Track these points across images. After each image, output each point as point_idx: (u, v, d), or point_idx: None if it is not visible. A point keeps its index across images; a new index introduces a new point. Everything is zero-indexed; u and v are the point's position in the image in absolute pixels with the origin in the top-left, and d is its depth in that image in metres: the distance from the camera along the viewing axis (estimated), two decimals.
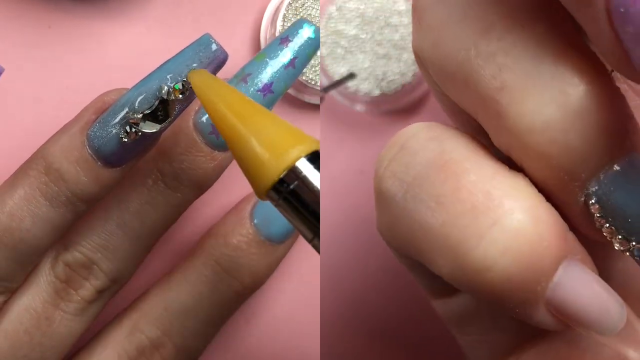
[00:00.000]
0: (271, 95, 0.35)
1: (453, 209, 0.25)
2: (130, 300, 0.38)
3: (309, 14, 0.40)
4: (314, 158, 0.27)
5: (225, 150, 0.35)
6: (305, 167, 0.27)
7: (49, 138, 0.33)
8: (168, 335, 0.36)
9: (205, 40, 0.32)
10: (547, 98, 0.25)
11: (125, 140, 0.32)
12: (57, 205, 0.33)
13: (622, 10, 0.23)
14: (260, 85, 0.35)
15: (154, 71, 0.32)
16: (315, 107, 0.41)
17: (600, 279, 0.27)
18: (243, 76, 0.35)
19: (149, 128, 0.32)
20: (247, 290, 0.37)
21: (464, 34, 0.26)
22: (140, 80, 0.32)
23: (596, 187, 0.26)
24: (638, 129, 0.26)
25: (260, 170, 0.27)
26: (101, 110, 0.33)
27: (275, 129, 0.27)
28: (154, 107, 0.31)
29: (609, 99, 0.25)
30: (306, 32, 0.35)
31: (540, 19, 0.26)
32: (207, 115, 0.35)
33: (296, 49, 0.35)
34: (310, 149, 0.27)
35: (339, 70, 0.40)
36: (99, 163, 0.32)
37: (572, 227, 0.27)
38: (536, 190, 0.26)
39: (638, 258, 0.26)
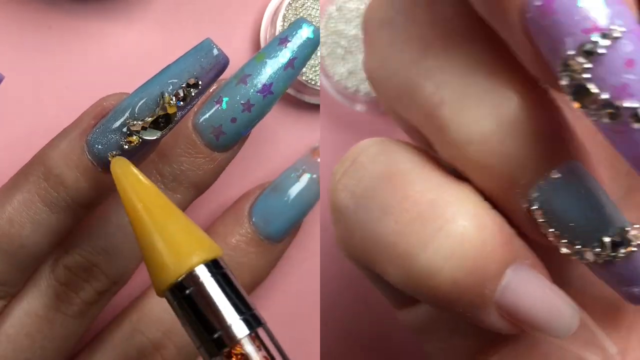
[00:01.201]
0: (271, 96, 0.35)
1: (400, 218, 0.27)
2: (130, 300, 0.38)
3: (309, 14, 0.40)
4: (215, 266, 0.28)
5: (224, 151, 0.35)
6: (203, 274, 0.27)
7: (48, 143, 0.33)
8: (169, 336, 0.36)
9: (206, 45, 0.31)
10: (483, 111, 0.26)
11: (126, 147, 0.31)
12: (56, 211, 0.33)
13: (534, 23, 0.24)
14: (259, 86, 0.35)
15: (154, 76, 0.32)
16: (315, 107, 0.41)
17: (550, 282, 0.28)
18: (242, 77, 0.35)
19: (150, 135, 0.31)
20: (246, 289, 0.37)
21: (406, 53, 0.27)
22: (141, 86, 0.32)
23: (537, 194, 0.27)
24: (575, 137, 0.27)
25: (161, 270, 0.27)
26: (100, 115, 0.32)
27: (183, 232, 0.28)
28: (155, 115, 0.31)
29: (543, 109, 0.27)
30: (305, 32, 0.35)
31: (474, 36, 0.27)
32: (206, 116, 0.35)
33: (295, 49, 0.35)
34: (211, 256, 0.28)
35: (339, 70, 0.40)
36: (99, 169, 0.32)
37: (525, 234, 0.28)
38: (481, 199, 0.27)
39: (584, 261, 0.27)
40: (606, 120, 0.24)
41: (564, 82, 0.24)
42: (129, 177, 0.29)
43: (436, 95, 0.27)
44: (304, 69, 0.39)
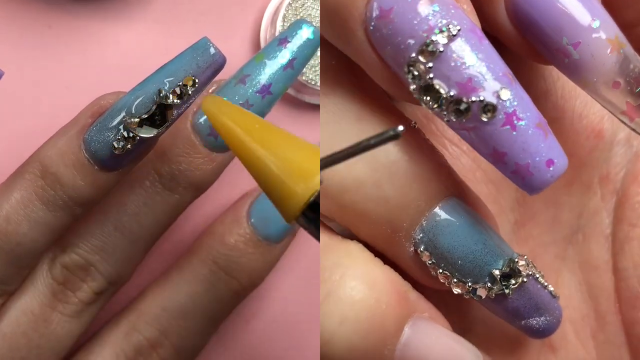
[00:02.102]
0: (270, 97, 0.35)
1: None
2: (128, 300, 0.38)
3: (309, 14, 0.40)
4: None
5: (223, 151, 0.35)
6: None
7: (46, 141, 0.33)
8: (166, 335, 0.36)
9: (203, 44, 0.31)
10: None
11: (122, 145, 0.31)
12: (53, 209, 0.32)
13: (377, 34, 0.25)
14: (258, 86, 0.35)
15: (151, 75, 0.32)
16: (315, 107, 0.41)
17: (451, 332, 0.28)
18: (241, 77, 0.35)
19: (147, 133, 0.31)
20: (245, 290, 0.37)
21: None
22: (138, 84, 0.32)
23: (421, 235, 0.27)
24: (452, 174, 0.28)
25: (289, 198, 0.25)
26: (98, 113, 0.32)
27: (296, 152, 0.26)
28: (151, 111, 0.31)
29: (417, 149, 0.27)
30: (305, 33, 0.35)
31: (343, 85, 0.27)
32: (205, 117, 0.35)
33: (295, 49, 0.35)
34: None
35: None
36: (96, 167, 0.32)
37: (420, 284, 0.28)
38: (371, 255, 0.27)
39: (477, 298, 0.27)
40: (456, 117, 0.24)
41: (412, 86, 0.25)
42: (225, 109, 0.27)
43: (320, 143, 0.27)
44: (303, 69, 0.39)
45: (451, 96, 0.24)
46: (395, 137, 0.23)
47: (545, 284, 0.28)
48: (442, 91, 0.24)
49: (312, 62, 0.39)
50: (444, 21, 0.24)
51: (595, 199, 0.31)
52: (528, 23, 0.26)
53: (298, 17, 0.39)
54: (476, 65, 0.24)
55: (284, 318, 0.41)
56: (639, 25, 0.29)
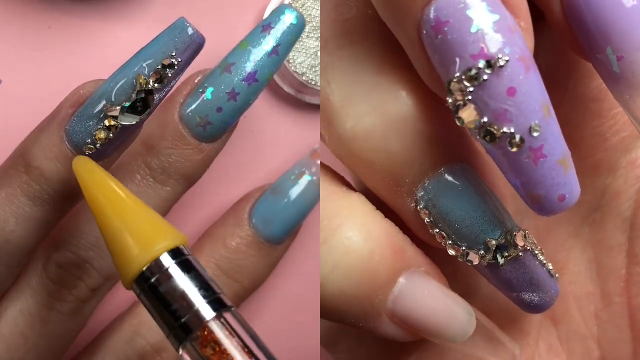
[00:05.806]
0: (256, 84, 0.34)
1: None
2: (129, 302, 0.38)
3: (309, 14, 0.39)
4: (179, 253, 0.27)
5: (212, 141, 0.35)
6: (167, 262, 0.27)
7: (28, 135, 0.33)
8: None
9: (180, 25, 0.31)
10: (367, 107, 0.27)
11: (104, 135, 0.31)
12: (39, 203, 0.32)
13: (428, 40, 0.25)
14: (244, 74, 0.34)
15: (129, 60, 0.31)
16: (315, 107, 0.41)
17: (446, 288, 0.28)
18: (226, 66, 0.34)
19: (129, 120, 0.31)
20: (246, 292, 0.37)
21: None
22: (116, 70, 0.31)
23: (422, 193, 0.27)
24: (466, 140, 0.28)
25: (126, 262, 0.27)
26: (78, 103, 0.32)
27: (145, 223, 0.28)
28: (132, 98, 0.30)
29: (433, 110, 0.27)
30: (288, 18, 0.35)
31: (370, 37, 0.27)
32: (192, 107, 0.35)
33: (279, 35, 0.35)
34: (174, 244, 0.27)
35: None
36: None
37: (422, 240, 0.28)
38: (372, 208, 0.28)
39: (469, 263, 0.27)
40: (486, 141, 0.25)
41: (449, 99, 0.25)
42: (92, 172, 0.29)
43: (326, 90, 0.27)
44: (303, 69, 0.39)
45: (484, 122, 0.24)
46: None
47: (544, 261, 0.28)
48: (475, 114, 0.24)
49: (312, 61, 0.39)
50: (496, 49, 0.24)
51: (619, 182, 0.30)
52: (579, 18, 0.26)
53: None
54: (515, 98, 0.24)
55: (285, 318, 0.41)
56: None
